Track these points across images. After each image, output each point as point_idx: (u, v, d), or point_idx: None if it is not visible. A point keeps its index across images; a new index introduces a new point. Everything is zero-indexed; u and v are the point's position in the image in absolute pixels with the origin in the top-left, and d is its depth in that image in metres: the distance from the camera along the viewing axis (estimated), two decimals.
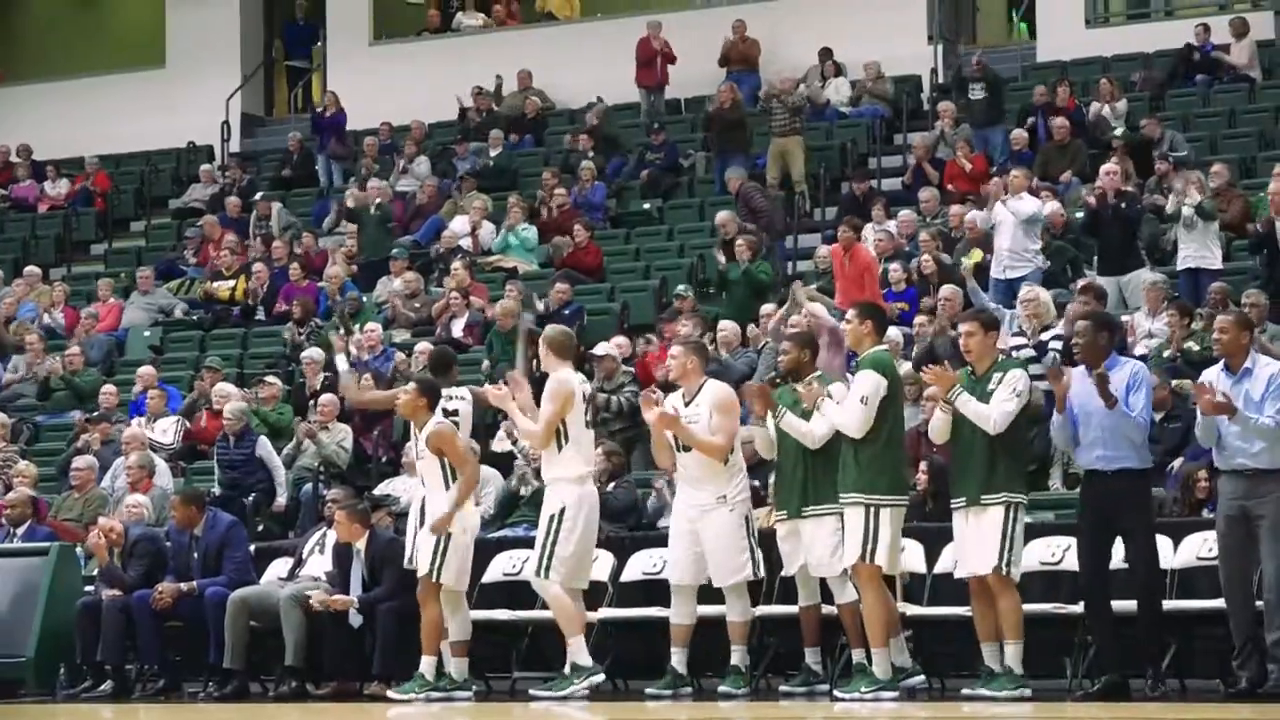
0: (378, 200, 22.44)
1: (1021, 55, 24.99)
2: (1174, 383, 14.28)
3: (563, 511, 11.75)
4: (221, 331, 21.89)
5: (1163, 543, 11.56)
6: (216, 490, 16.45)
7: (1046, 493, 14.05)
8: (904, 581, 12.04)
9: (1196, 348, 14.87)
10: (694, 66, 24.99)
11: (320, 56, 29.19)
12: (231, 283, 22.23)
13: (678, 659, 11.91)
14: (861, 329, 11.39)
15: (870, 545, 11.00)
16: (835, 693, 11.45)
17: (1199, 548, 11.67)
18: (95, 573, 14.27)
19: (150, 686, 13.79)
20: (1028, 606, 11.20)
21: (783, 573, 11.93)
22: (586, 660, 11.82)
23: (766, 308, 17.44)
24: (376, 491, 15.63)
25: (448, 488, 11.99)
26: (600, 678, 11.84)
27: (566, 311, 18.89)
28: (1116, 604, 10.81)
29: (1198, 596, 11.42)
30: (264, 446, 16.68)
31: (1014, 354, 14.09)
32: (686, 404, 11.80)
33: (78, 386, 20.12)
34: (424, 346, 17.64)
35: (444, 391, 12.67)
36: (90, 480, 16.57)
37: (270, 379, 18.42)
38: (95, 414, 18.60)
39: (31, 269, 23.71)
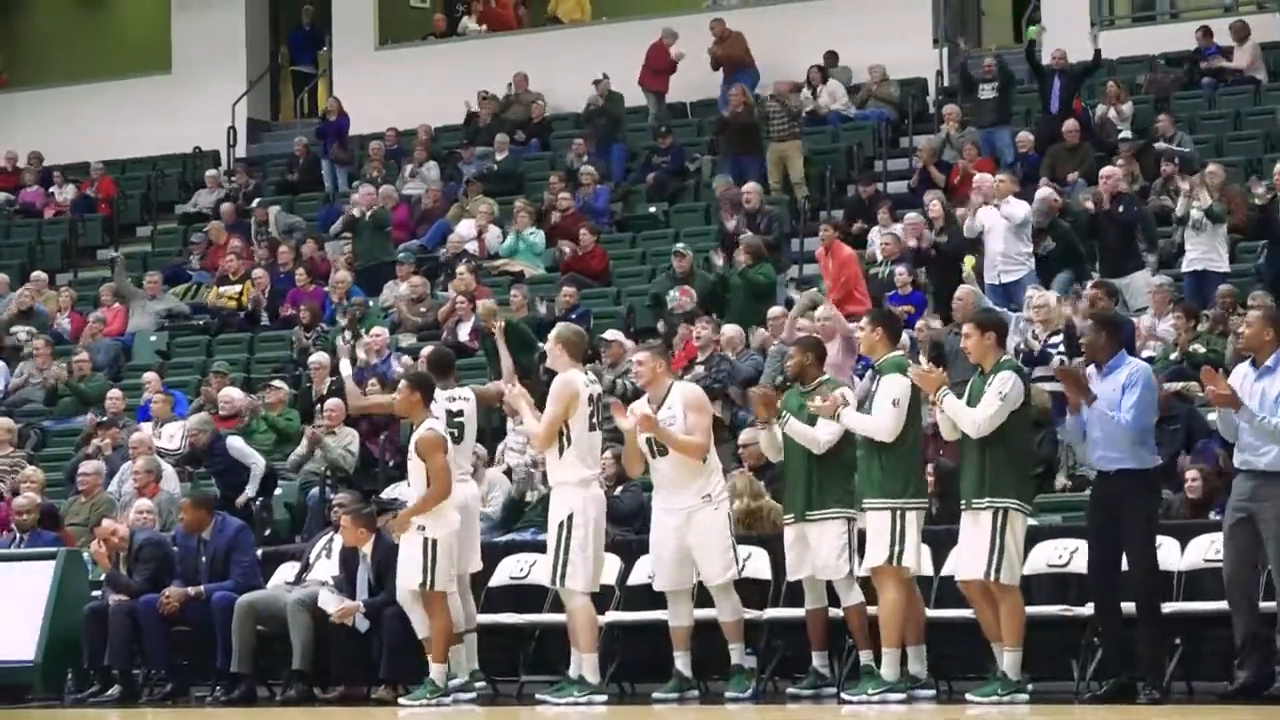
0: (374, 206, 22.39)
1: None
2: (1179, 385, 14.28)
3: (570, 518, 11.74)
4: (228, 336, 21.90)
5: (1170, 544, 11.57)
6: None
7: (1052, 495, 14.05)
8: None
9: (1202, 350, 14.87)
10: (699, 70, 24.97)
11: (326, 61, 29.22)
12: (238, 287, 22.25)
13: (681, 662, 11.92)
14: (874, 335, 11.43)
15: (898, 548, 11.07)
16: (843, 695, 11.46)
17: (1205, 549, 11.65)
18: (102, 577, 14.28)
19: (157, 691, 13.80)
20: (1034, 609, 11.22)
21: (788, 577, 11.94)
22: (595, 678, 11.82)
23: (774, 310, 17.44)
24: (383, 495, 15.61)
25: None
26: (602, 698, 11.82)
27: (573, 315, 18.88)
28: (1123, 606, 10.81)
29: (1205, 598, 11.40)
30: (234, 445, 16.60)
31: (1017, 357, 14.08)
32: (657, 409, 11.75)
33: (83, 392, 20.13)
34: (429, 351, 17.63)
35: (449, 393, 12.69)
36: (97, 485, 16.57)
37: (277, 383, 18.43)
38: (104, 419, 18.61)
39: (38, 274, 23.72)
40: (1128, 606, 10.78)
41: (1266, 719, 10.01)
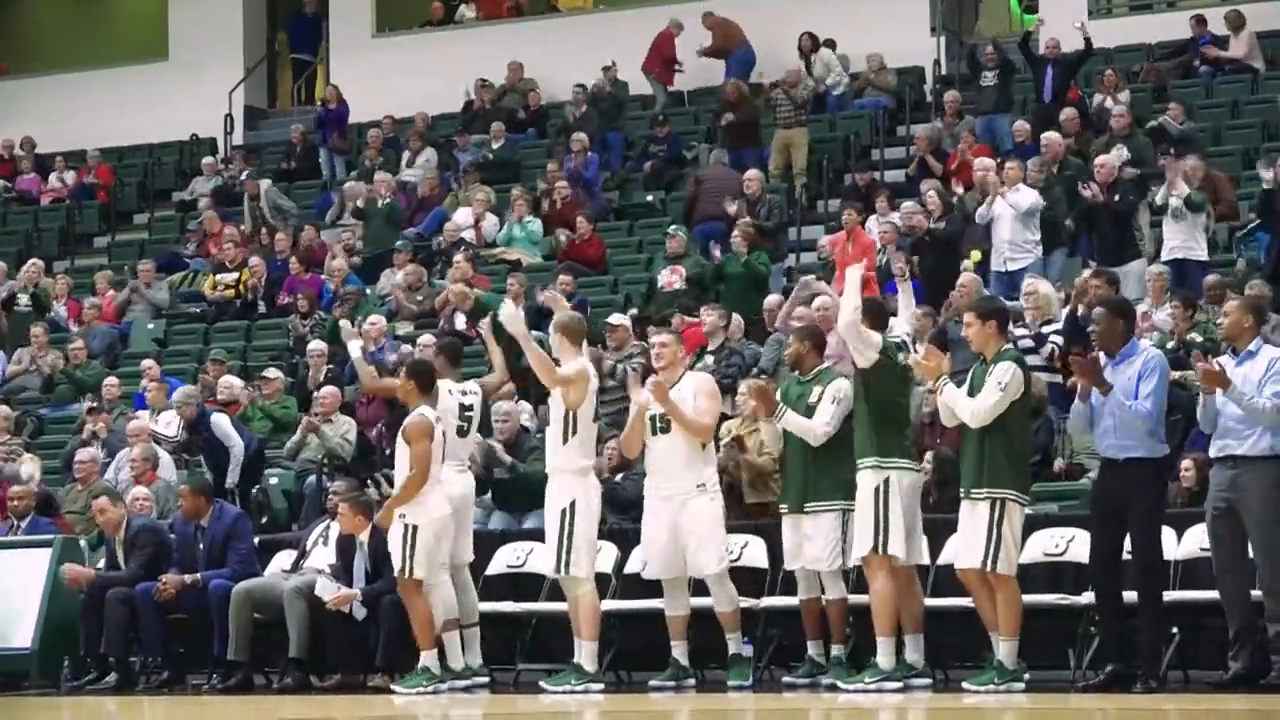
0: (387, 197, 22.40)
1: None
2: (1178, 374, 14.26)
3: (573, 505, 11.76)
4: (225, 324, 21.89)
5: (1167, 534, 11.56)
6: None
7: (1049, 484, 14.04)
8: None
9: (1200, 339, 14.86)
10: (696, 59, 24.95)
11: (323, 49, 29.20)
12: (235, 275, 22.23)
13: (678, 651, 11.94)
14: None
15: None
16: (838, 684, 11.47)
17: (1201, 538, 11.63)
18: (100, 564, 14.28)
19: (154, 679, 13.81)
20: (1031, 597, 11.22)
21: (784, 567, 11.95)
22: (593, 666, 11.84)
23: (771, 300, 17.42)
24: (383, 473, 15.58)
25: None
26: (599, 687, 11.84)
27: (570, 304, 18.86)
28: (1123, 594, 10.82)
29: (1201, 587, 11.40)
30: (218, 424, 16.41)
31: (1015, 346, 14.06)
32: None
33: (79, 380, 20.12)
34: (427, 339, 17.63)
35: (458, 386, 12.71)
36: (93, 472, 16.54)
37: (272, 372, 18.41)
38: (95, 405, 18.59)
39: (35, 261, 23.68)
40: (1128, 595, 10.77)
41: (1263, 707, 10.01)
